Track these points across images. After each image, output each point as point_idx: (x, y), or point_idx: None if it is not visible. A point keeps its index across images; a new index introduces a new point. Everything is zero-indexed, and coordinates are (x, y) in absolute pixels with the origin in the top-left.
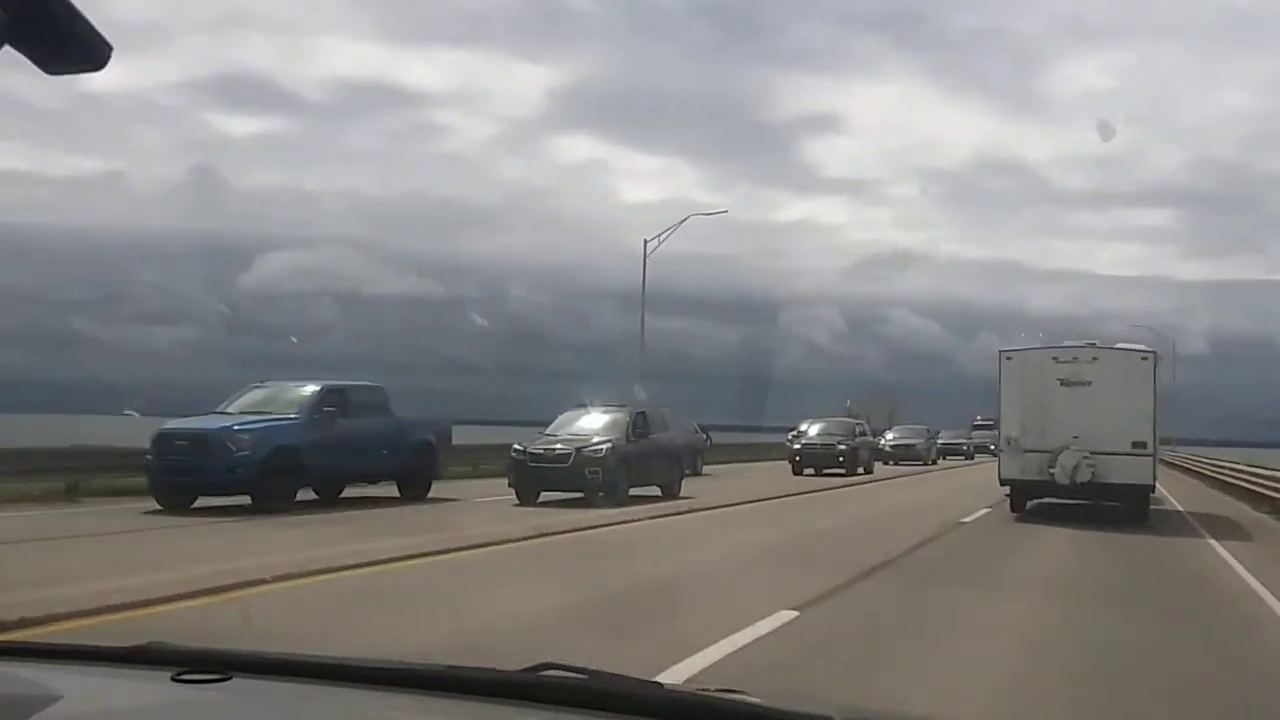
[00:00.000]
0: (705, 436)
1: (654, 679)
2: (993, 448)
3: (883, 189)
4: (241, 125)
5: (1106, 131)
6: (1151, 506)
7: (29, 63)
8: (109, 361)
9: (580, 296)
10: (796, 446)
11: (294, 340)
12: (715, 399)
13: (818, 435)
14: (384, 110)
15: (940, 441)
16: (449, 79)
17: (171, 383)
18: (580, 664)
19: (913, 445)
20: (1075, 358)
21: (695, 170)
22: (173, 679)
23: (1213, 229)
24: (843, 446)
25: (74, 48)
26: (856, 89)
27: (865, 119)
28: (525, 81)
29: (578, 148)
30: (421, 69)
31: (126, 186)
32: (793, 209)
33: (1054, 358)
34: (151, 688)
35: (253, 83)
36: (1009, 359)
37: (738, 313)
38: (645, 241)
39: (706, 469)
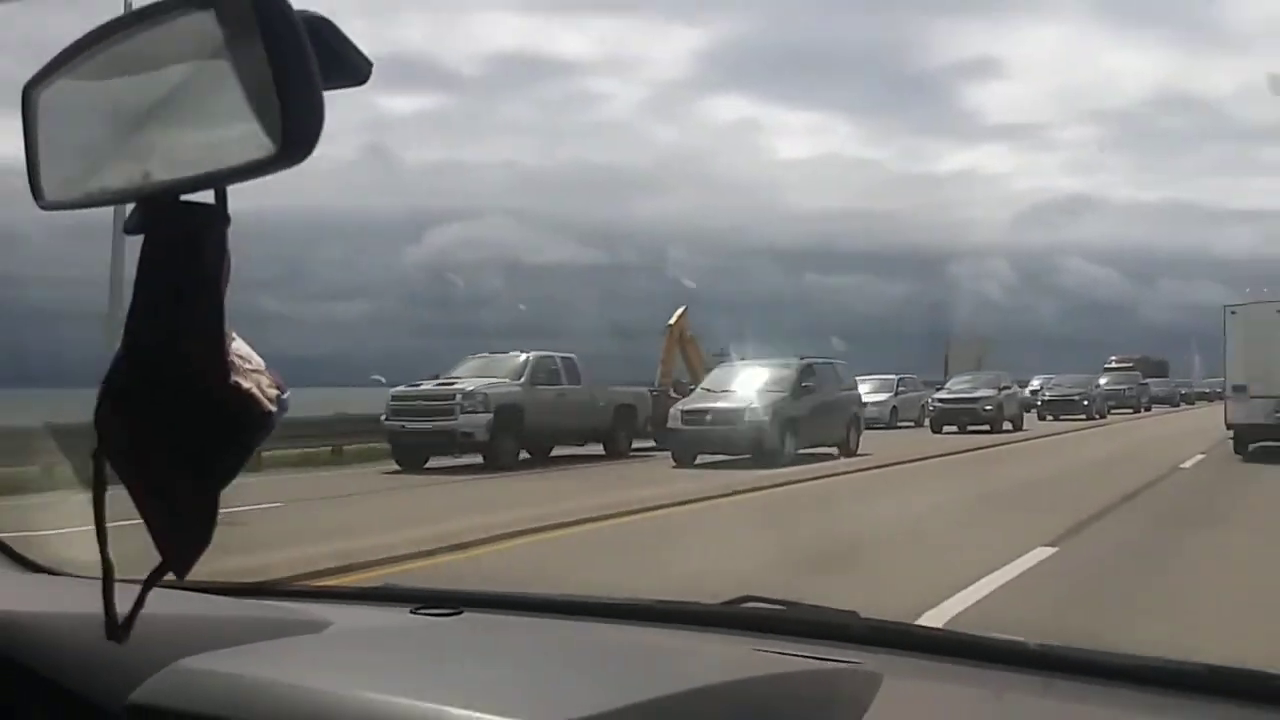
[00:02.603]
0: None
1: (850, 609)
2: (1127, 390)
3: (1050, 133)
4: (405, 104)
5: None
6: None
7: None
8: (298, 336)
9: (740, 257)
10: None
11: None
12: (887, 356)
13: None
14: (538, 81)
15: (1028, 390)
16: (600, 46)
17: (357, 354)
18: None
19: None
20: None
21: (851, 124)
22: (411, 612)
23: None
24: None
25: (343, 63)
26: (1017, 30)
27: (1028, 61)
28: (675, 44)
29: (731, 108)
30: (573, 38)
31: (303, 168)
32: (956, 159)
33: (1278, 310)
34: (397, 617)
35: (413, 62)
36: (1233, 313)
37: (906, 268)
38: None
39: None
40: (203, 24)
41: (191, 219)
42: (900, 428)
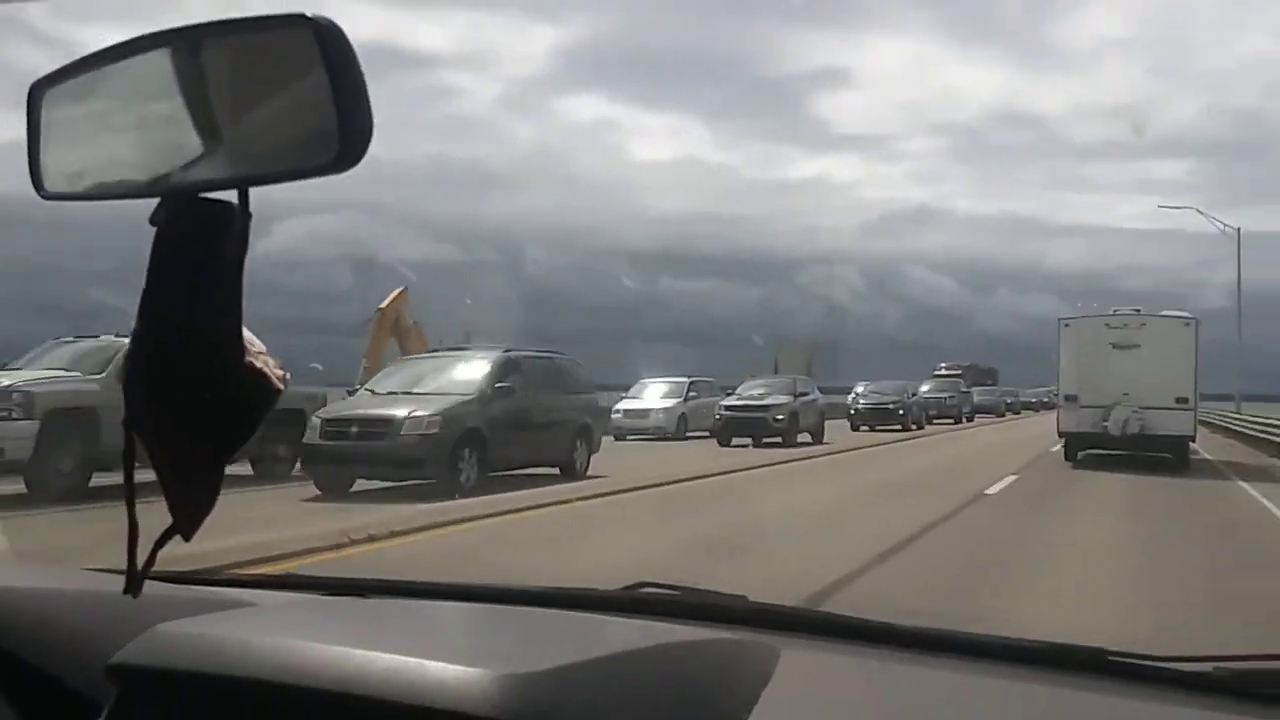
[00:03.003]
0: None
1: (739, 593)
2: (948, 398)
3: (897, 144)
4: None
5: (1140, 129)
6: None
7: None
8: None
9: (597, 257)
10: None
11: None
12: (736, 360)
13: None
14: (395, 73)
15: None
16: (459, 41)
17: None
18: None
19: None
20: (1126, 324)
21: (705, 128)
22: (325, 594)
23: (1236, 179)
24: None
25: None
26: (867, 42)
27: (877, 74)
28: (534, 41)
29: (589, 107)
30: (431, 30)
31: None
32: (807, 166)
33: (1107, 324)
34: (316, 599)
35: None
36: (1066, 325)
37: (757, 272)
38: None
39: None
40: (263, 42)
41: (215, 214)
42: (692, 438)
